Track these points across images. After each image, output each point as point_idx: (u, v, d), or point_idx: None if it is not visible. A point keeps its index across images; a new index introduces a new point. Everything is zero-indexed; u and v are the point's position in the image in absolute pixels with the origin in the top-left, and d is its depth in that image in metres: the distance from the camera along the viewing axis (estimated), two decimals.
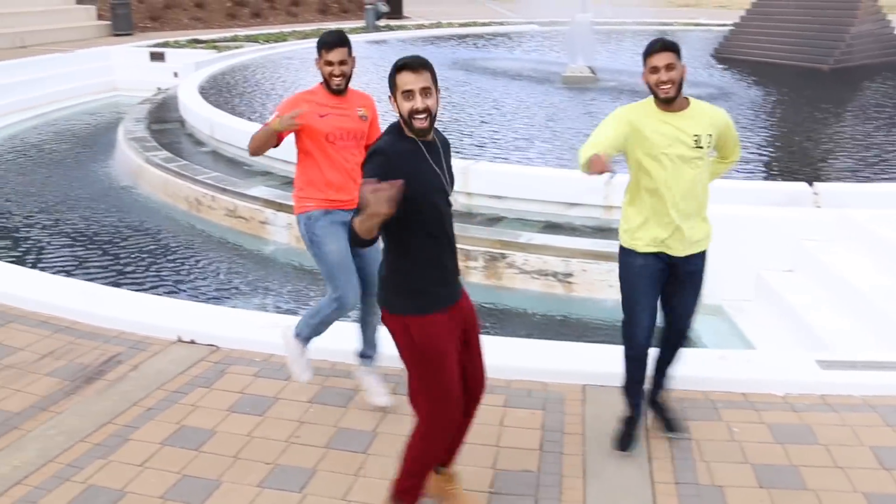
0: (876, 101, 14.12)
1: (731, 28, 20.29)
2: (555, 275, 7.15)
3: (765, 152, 10.19)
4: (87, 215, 9.58)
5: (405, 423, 4.14)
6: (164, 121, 12.82)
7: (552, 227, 7.74)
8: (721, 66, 17.86)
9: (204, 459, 4.13)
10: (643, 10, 26.07)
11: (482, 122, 11.72)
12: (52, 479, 3.95)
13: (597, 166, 3.55)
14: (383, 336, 3.97)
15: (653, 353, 4.19)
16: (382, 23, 26.66)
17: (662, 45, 3.80)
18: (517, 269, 7.24)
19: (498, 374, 4.69)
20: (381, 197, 2.80)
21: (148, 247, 8.57)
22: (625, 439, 4.19)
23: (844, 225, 6.83)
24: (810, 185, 7.63)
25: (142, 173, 10.48)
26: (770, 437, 4.29)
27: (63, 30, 21.82)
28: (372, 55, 19.18)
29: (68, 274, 7.39)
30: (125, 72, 18.65)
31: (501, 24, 27.71)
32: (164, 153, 10.61)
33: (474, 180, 8.19)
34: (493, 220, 7.97)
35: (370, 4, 26.35)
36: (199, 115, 11.71)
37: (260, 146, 4.33)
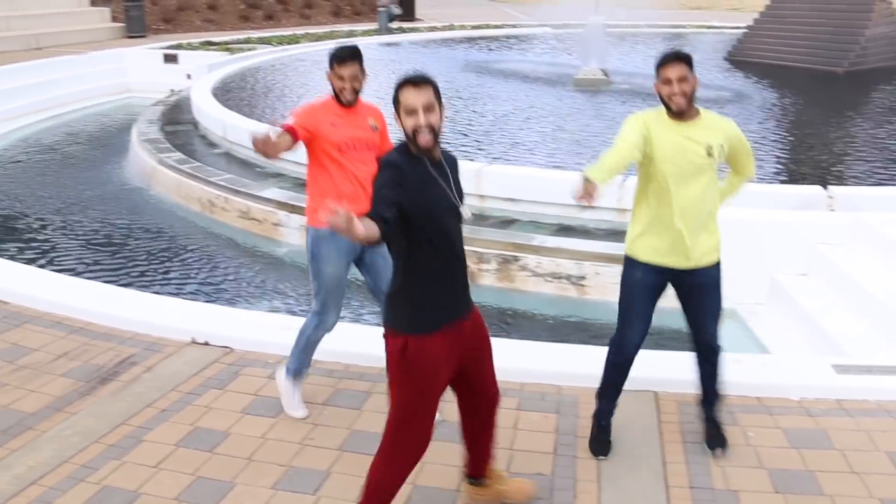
0: (891, 103, 14.06)
1: (745, 31, 20.23)
2: (568, 278, 7.14)
3: (779, 155, 10.16)
4: (101, 216, 9.62)
5: None
6: (177, 122, 12.86)
7: (565, 230, 7.73)
8: (734, 69, 17.81)
9: (218, 461, 4.14)
10: (656, 13, 26.04)
11: (494, 124, 11.72)
12: (67, 479, 3.97)
13: (585, 193, 3.47)
14: None
15: (694, 365, 4.19)
16: (395, 25, 26.70)
17: (675, 57, 3.80)
18: (530, 271, 7.23)
19: (511, 378, 4.70)
20: (343, 221, 2.66)
21: (161, 248, 8.60)
22: (599, 445, 4.20)
23: (859, 228, 6.80)
24: (825, 188, 7.60)
25: (155, 175, 10.52)
26: (785, 442, 4.27)
27: (77, 32, 21.94)
28: (384, 57, 19.25)
29: (82, 275, 7.42)
30: (138, 73, 18.72)
31: (514, 26, 27.71)
32: (178, 155, 10.65)
33: (487, 183, 8.18)
34: (506, 223, 7.96)
35: (383, 7, 26.38)
36: (213, 116, 11.74)
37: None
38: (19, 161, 12.67)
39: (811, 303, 6.33)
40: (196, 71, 16.97)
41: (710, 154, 3.84)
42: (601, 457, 4.16)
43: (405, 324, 3.23)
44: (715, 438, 4.22)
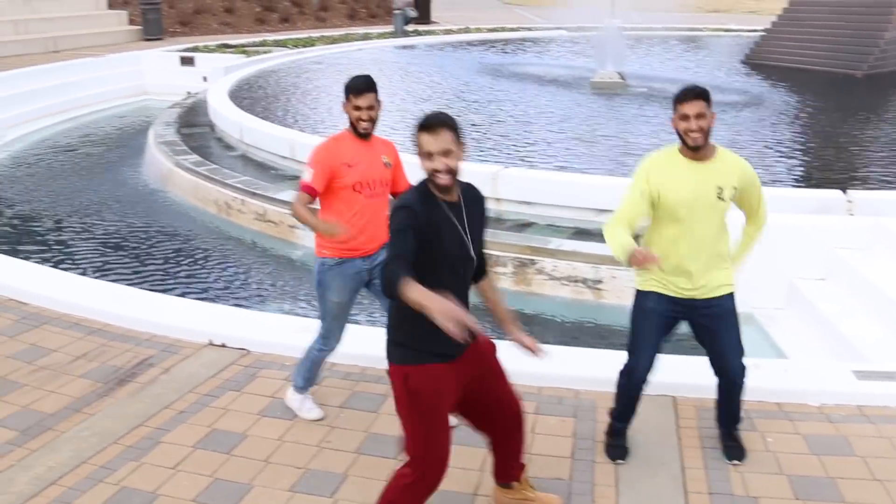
0: None
1: (762, 34, 20.12)
2: (584, 281, 7.11)
3: (798, 159, 10.09)
4: (118, 218, 9.66)
5: None
6: (193, 125, 12.91)
7: (582, 234, 7.70)
8: (752, 72, 17.72)
9: (235, 463, 4.14)
10: (672, 16, 25.95)
11: (511, 127, 11.70)
12: (86, 480, 3.98)
13: (640, 261, 3.57)
14: None
15: (717, 389, 4.16)
16: (411, 28, 26.73)
17: (694, 94, 3.76)
18: (546, 275, 7.21)
19: (528, 381, 4.68)
20: (457, 321, 2.76)
21: (177, 250, 8.63)
22: (616, 450, 4.20)
23: (878, 233, 6.75)
24: (844, 192, 7.55)
25: (171, 177, 10.56)
26: (805, 448, 4.24)
27: (95, 34, 22.08)
28: (400, 60, 19.27)
29: (99, 276, 7.46)
30: (155, 76, 18.83)
31: (530, 29, 27.68)
32: (194, 157, 10.68)
33: (503, 186, 8.17)
34: (523, 226, 7.94)
35: (398, 9, 26.43)
36: (229, 119, 11.79)
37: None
38: (38, 163, 12.75)
39: (830, 308, 6.28)
40: (212, 73, 17.04)
41: (720, 197, 3.83)
42: (619, 461, 4.14)
43: (407, 356, 3.27)
44: (732, 450, 4.19)
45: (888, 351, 5.53)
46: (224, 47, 20.93)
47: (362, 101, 4.21)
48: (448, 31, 26.73)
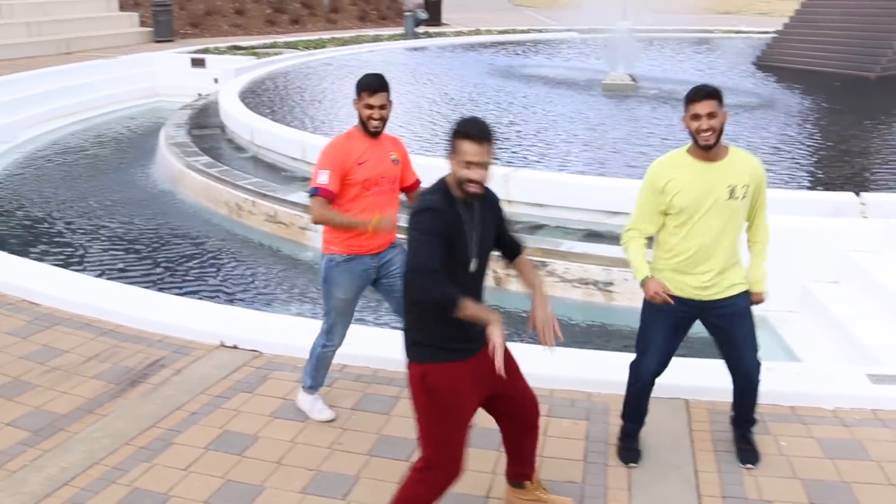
0: None
1: (774, 35, 20.05)
2: (595, 283, 7.09)
3: (811, 162, 10.05)
4: (129, 219, 9.69)
5: None
6: (204, 126, 12.94)
7: (593, 236, 7.69)
8: (764, 74, 17.65)
9: (247, 465, 4.14)
10: (683, 18, 25.88)
11: (521, 129, 11.69)
12: (99, 481, 3.99)
13: (650, 295, 3.85)
14: None
15: (733, 389, 4.14)
16: (421, 30, 26.72)
17: (705, 94, 3.75)
18: (558, 277, 7.19)
19: (541, 384, 4.64)
20: (499, 339, 3.01)
21: (188, 251, 8.65)
22: (628, 453, 4.18)
23: (892, 235, 6.70)
24: (857, 195, 7.50)
25: (183, 178, 10.58)
26: (819, 452, 4.21)
27: (106, 36, 22.16)
28: (410, 62, 19.27)
29: (111, 277, 7.47)
30: (167, 77, 18.87)
31: (540, 31, 27.64)
32: (205, 158, 10.70)
33: (515, 188, 8.15)
34: (534, 228, 7.93)
35: (409, 11, 26.43)
36: (240, 120, 11.81)
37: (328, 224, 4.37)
38: (50, 164, 12.80)
39: (843, 310, 6.24)
40: (223, 75, 17.08)
41: (732, 196, 3.81)
42: (631, 464, 4.12)
43: (424, 355, 3.27)
44: (746, 453, 4.16)
45: None
46: (235, 49, 20.97)
47: (375, 100, 4.21)
48: (459, 33, 26.73)
